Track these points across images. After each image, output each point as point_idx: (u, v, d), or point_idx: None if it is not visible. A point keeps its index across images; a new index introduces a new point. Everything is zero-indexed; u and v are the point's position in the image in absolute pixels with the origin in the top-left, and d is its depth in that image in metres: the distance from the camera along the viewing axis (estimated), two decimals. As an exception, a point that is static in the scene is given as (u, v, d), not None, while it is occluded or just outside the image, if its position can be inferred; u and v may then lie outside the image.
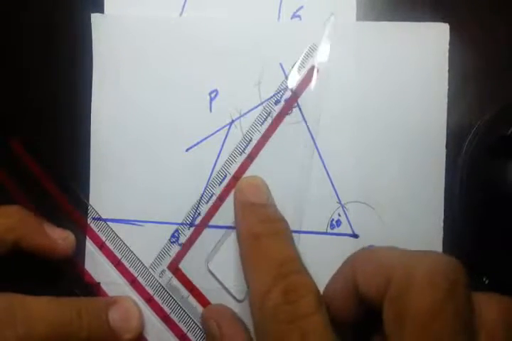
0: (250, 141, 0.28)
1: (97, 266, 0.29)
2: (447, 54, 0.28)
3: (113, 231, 0.29)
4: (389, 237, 0.27)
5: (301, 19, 0.28)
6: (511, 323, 0.19)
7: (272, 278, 0.22)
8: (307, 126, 0.28)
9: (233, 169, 0.28)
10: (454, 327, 0.18)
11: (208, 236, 0.28)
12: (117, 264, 0.29)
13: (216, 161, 0.28)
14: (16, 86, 0.29)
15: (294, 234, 0.25)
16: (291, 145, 0.28)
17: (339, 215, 0.28)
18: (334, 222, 0.28)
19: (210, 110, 0.28)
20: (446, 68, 0.28)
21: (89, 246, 0.29)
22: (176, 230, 0.28)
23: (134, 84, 0.29)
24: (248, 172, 0.28)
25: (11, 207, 0.27)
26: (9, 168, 0.29)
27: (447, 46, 0.28)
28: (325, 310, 0.22)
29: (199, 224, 0.28)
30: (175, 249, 0.28)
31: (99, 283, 0.29)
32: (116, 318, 0.26)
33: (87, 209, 0.29)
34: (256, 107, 0.28)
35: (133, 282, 0.28)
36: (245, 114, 0.28)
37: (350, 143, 0.28)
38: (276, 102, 0.28)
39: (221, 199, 0.28)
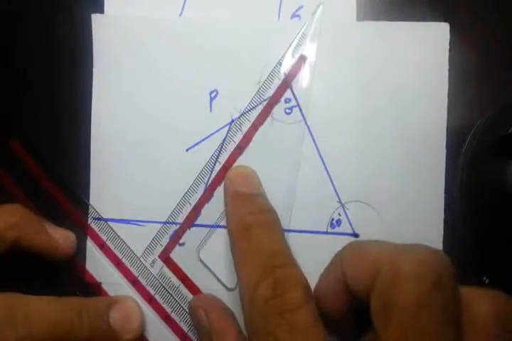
0: (240, 129, 0.28)
1: (97, 265, 0.29)
2: (447, 54, 0.28)
3: (114, 231, 0.29)
4: (389, 237, 0.27)
5: (301, 19, 0.28)
6: (502, 318, 0.19)
7: (260, 271, 0.22)
8: (307, 127, 0.28)
9: (223, 158, 0.28)
10: (440, 320, 0.18)
11: (199, 224, 0.28)
12: (118, 264, 0.29)
13: (216, 162, 0.28)
14: (16, 86, 0.29)
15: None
16: (282, 140, 0.28)
17: (339, 215, 0.28)
18: (334, 222, 0.28)
19: (210, 110, 0.28)
20: (446, 68, 0.28)
21: (90, 246, 0.29)
22: (177, 230, 0.28)
23: (134, 84, 0.29)
24: (238, 163, 0.28)
25: (12, 206, 0.27)
26: (9, 168, 0.29)
27: (447, 46, 0.28)
28: (314, 303, 0.22)
29: (190, 213, 0.28)
30: (166, 238, 0.28)
31: (100, 283, 0.29)
32: (117, 318, 0.26)
33: (87, 209, 0.29)
34: (256, 107, 0.28)
35: (134, 282, 0.28)
36: (245, 113, 0.28)
37: (351, 142, 0.28)
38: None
39: (212, 188, 0.28)
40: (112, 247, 0.29)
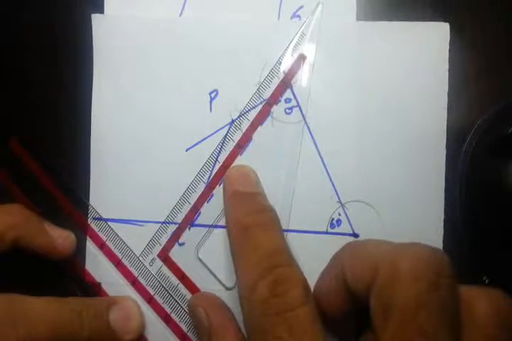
0: (240, 129, 0.28)
1: (97, 266, 0.29)
2: (447, 54, 0.28)
3: (113, 231, 0.29)
4: (389, 237, 0.27)
5: (301, 19, 0.28)
6: (502, 318, 0.19)
7: (259, 271, 0.22)
8: (307, 127, 0.28)
9: (222, 158, 0.28)
10: (439, 319, 0.18)
11: (198, 223, 0.28)
12: (118, 264, 0.29)
13: (216, 161, 0.28)
14: (16, 86, 0.29)
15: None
16: (282, 140, 0.28)
17: (339, 215, 0.28)
18: (334, 222, 0.28)
19: (210, 110, 0.28)
20: (447, 68, 0.28)
21: (90, 246, 0.29)
22: (176, 229, 0.28)
23: (134, 84, 0.29)
24: (237, 162, 0.28)
25: (11, 206, 0.27)
26: (9, 168, 0.29)
27: (447, 46, 0.28)
28: (313, 302, 0.22)
29: (189, 212, 0.28)
30: (165, 237, 0.28)
31: (99, 283, 0.29)
32: (117, 318, 0.26)
33: (87, 209, 0.29)
34: (256, 107, 0.28)
35: (133, 282, 0.28)
36: (245, 113, 0.28)
37: (351, 142, 0.28)
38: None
39: (211, 187, 0.28)
40: (111, 247, 0.29)
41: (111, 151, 0.29)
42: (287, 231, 0.28)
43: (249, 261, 0.23)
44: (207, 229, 0.28)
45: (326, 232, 0.28)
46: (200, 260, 0.28)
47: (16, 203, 0.28)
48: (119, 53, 0.29)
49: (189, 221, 0.28)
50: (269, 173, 0.28)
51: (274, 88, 0.28)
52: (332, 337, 0.25)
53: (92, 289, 0.29)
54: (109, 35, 0.29)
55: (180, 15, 0.29)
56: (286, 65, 0.28)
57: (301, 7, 0.28)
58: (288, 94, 0.28)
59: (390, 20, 0.28)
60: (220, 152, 0.28)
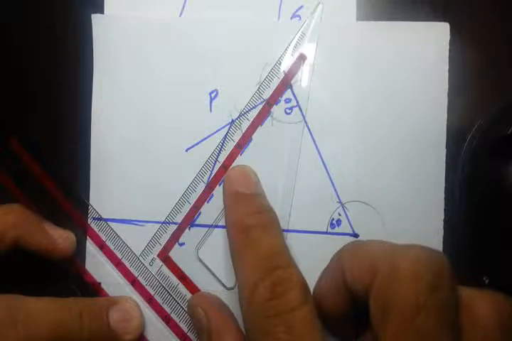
0: (240, 129, 0.28)
1: (97, 266, 0.29)
2: (447, 54, 0.28)
3: (113, 231, 0.29)
4: (389, 237, 0.27)
5: (301, 19, 0.28)
6: (503, 320, 0.19)
7: (258, 272, 0.22)
8: (307, 127, 0.28)
9: (223, 158, 0.28)
10: (438, 321, 0.18)
11: (198, 223, 0.28)
12: (118, 264, 0.29)
13: (216, 161, 0.28)
14: (16, 86, 0.29)
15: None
16: (282, 140, 0.28)
17: (339, 215, 0.28)
18: (334, 222, 0.28)
19: (210, 110, 0.28)
20: (447, 68, 0.28)
21: (90, 246, 0.29)
22: (176, 229, 0.28)
23: (134, 84, 0.29)
24: (237, 162, 0.28)
25: (12, 205, 0.27)
26: (9, 168, 0.29)
27: (447, 46, 0.28)
28: (312, 304, 0.22)
29: (189, 212, 0.28)
30: (165, 237, 0.28)
31: (99, 283, 0.29)
32: (117, 319, 0.26)
33: (87, 209, 0.29)
34: (256, 107, 0.28)
35: (133, 282, 0.28)
36: (245, 113, 0.28)
37: (351, 142, 0.28)
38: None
39: (211, 187, 0.28)
40: (111, 247, 0.29)
41: (111, 151, 0.29)
42: (287, 231, 0.28)
43: (249, 262, 0.23)
44: (207, 229, 0.28)
45: (326, 232, 0.28)
46: (200, 260, 0.28)
47: (15, 203, 0.28)
48: (119, 53, 0.29)
49: (189, 221, 0.28)
50: (269, 173, 0.28)
51: (274, 88, 0.28)
52: (332, 337, 0.25)
53: (92, 289, 0.29)
54: (109, 35, 0.29)
55: (180, 15, 0.29)
56: (286, 65, 0.28)
57: (301, 7, 0.28)
58: (288, 94, 0.28)
59: (390, 20, 0.28)
60: (220, 152, 0.28)
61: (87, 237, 0.29)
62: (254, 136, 0.28)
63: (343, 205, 0.28)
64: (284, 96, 0.28)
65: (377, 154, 0.28)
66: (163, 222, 0.28)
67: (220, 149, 0.28)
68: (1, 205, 0.27)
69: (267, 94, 0.28)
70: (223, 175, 0.28)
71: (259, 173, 0.27)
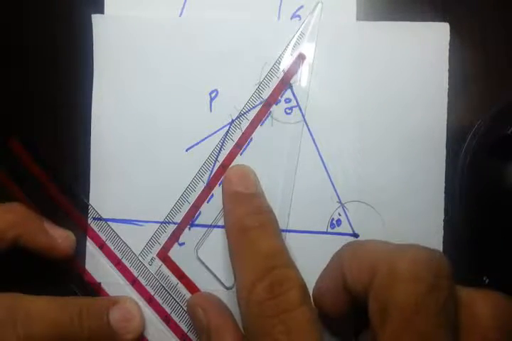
0: (240, 129, 0.28)
1: (97, 266, 0.29)
2: (447, 54, 0.28)
3: (113, 231, 0.29)
4: (389, 237, 0.27)
5: (301, 19, 0.28)
6: (503, 320, 0.19)
7: (257, 272, 0.22)
8: (307, 127, 0.28)
9: (222, 157, 0.28)
10: (436, 321, 0.18)
11: (198, 223, 0.28)
12: (118, 264, 0.29)
13: (216, 161, 0.28)
14: (17, 86, 0.29)
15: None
16: (282, 140, 0.28)
17: (339, 215, 0.28)
18: (334, 222, 0.28)
19: (210, 110, 0.28)
20: (447, 68, 0.28)
21: (90, 246, 0.29)
22: (175, 229, 0.28)
23: (134, 84, 0.29)
24: (236, 162, 0.28)
25: (12, 204, 0.27)
26: (9, 168, 0.29)
27: (447, 46, 0.28)
28: (310, 304, 0.22)
29: (188, 212, 0.28)
30: (164, 237, 0.28)
31: (99, 283, 0.29)
32: (117, 318, 0.26)
33: (87, 209, 0.29)
34: (256, 107, 0.28)
35: (133, 282, 0.28)
36: (245, 113, 0.28)
37: (351, 142, 0.28)
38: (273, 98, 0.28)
39: (211, 187, 0.28)
40: (111, 247, 0.29)
41: (111, 151, 0.29)
42: (287, 231, 0.28)
43: (247, 262, 0.23)
44: (206, 228, 0.28)
45: (326, 232, 0.28)
46: (200, 260, 0.28)
47: (16, 202, 0.28)
48: (119, 53, 0.29)
49: (189, 221, 0.28)
50: (268, 173, 0.28)
51: (273, 88, 0.28)
52: (331, 337, 0.25)
53: (92, 289, 0.29)
54: (109, 35, 0.29)
55: (180, 15, 0.29)
56: (285, 65, 0.28)
57: (301, 7, 0.28)
58: (288, 94, 0.28)
59: (390, 20, 0.28)
60: (219, 152, 0.28)
61: (87, 237, 0.29)
62: (253, 136, 0.28)
63: (343, 205, 0.28)
64: (284, 96, 0.28)
65: (377, 154, 0.28)
66: (163, 222, 0.28)
67: (220, 149, 0.28)
68: (1, 204, 0.27)
69: (266, 93, 0.28)
70: (223, 174, 0.28)
71: (258, 173, 0.27)
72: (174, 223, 0.28)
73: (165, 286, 0.28)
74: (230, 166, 0.28)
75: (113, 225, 0.29)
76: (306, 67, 0.28)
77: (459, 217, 0.27)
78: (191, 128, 0.28)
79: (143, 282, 0.28)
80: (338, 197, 0.28)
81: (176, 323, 0.28)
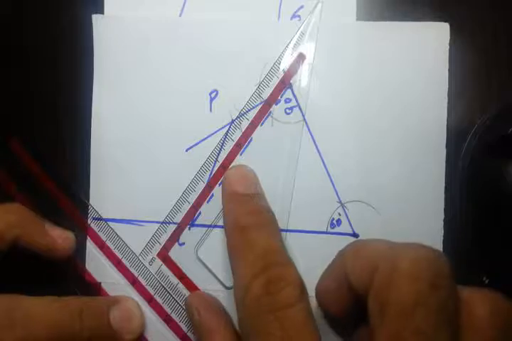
0: (240, 129, 0.28)
1: (97, 266, 0.29)
2: (447, 54, 0.28)
3: (113, 231, 0.29)
4: (389, 237, 0.27)
5: (301, 19, 0.28)
6: (502, 320, 0.19)
7: (254, 270, 0.22)
8: (307, 127, 0.28)
9: (222, 157, 0.28)
10: (435, 319, 0.18)
11: (198, 223, 0.28)
12: (118, 264, 0.29)
13: (216, 161, 0.28)
14: (17, 86, 0.29)
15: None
16: (281, 140, 0.28)
17: (339, 214, 0.28)
18: (334, 222, 0.28)
19: (210, 110, 0.28)
20: (447, 68, 0.28)
21: (90, 246, 0.29)
22: (175, 229, 0.28)
23: (135, 84, 0.29)
24: (236, 162, 0.28)
25: (11, 205, 0.27)
26: (9, 168, 0.29)
27: (447, 46, 0.28)
28: (307, 301, 0.22)
29: (188, 212, 0.28)
30: (164, 237, 0.28)
31: (99, 283, 0.29)
32: (118, 318, 0.26)
33: (87, 209, 0.29)
34: (256, 107, 0.28)
35: (134, 282, 0.28)
36: (245, 113, 0.28)
37: (351, 142, 0.28)
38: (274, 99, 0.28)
39: (211, 187, 0.28)
40: (111, 247, 0.29)
41: (111, 151, 0.29)
42: (287, 231, 0.28)
43: (245, 260, 0.23)
44: (206, 228, 0.28)
45: (326, 232, 0.28)
46: (200, 260, 0.28)
47: (15, 203, 0.28)
48: (120, 53, 0.29)
49: (189, 221, 0.28)
50: (268, 173, 0.28)
51: (273, 88, 0.28)
52: (330, 334, 0.25)
53: (92, 289, 0.29)
54: (110, 35, 0.29)
55: (180, 15, 0.29)
56: (285, 65, 0.28)
57: (301, 7, 0.28)
58: (288, 94, 0.28)
59: (390, 20, 0.28)
60: (219, 152, 0.28)
61: (88, 237, 0.29)
62: (253, 136, 0.28)
63: (343, 205, 0.28)
64: (284, 96, 0.28)
65: (377, 154, 0.28)
66: (163, 222, 0.28)
67: (220, 149, 0.28)
68: (1, 204, 0.27)
69: (266, 93, 0.28)
70: (223, 174, 0.28)
71: (258, 173, 0.27)
72: (174, 223, 0.28)
73: (165, 286, 0.28)
74: (230, 166, 0.28)
75: (113, 225, 0.29)
76: (306, 67, 0.28)
77: (459, 217, 0.27)
78: (191, 128, 0.28)
79: (143, 282, 0.28)
80: (338, 197, 0.28)
81: (177, 323, 0.28)
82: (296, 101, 0.28)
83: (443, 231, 0.27)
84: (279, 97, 0.28)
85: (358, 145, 0.28)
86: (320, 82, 0.28)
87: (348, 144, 0.28)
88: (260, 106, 0.28)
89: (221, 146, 0.28)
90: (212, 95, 0.28)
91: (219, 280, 0.28)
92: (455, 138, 0.28)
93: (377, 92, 0.28)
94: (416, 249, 0.20)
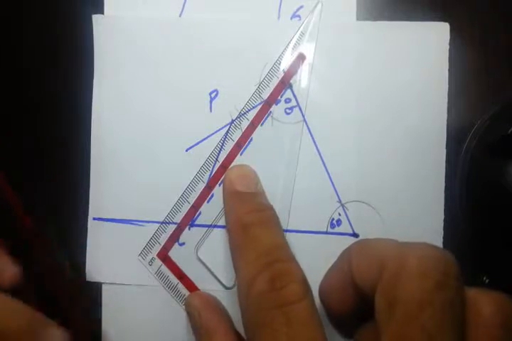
0: (240, 129, 0.28)
1: (97, 266, 0.29)
2: (447, 54, 0.28)
3: (114, 230, 0.29)
4: (389, 237, 0.27)
5: (301, 19, 0.28)
6: (507, 319, 0.19)
7: (258, 266, 0.22)
8: (307, 127, 0.28)
9: (222, 157, 0.28)
10: (442, 318, 0.18)
11: (197, 223, 0.28)
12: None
13: (216, 161, 0.28)
14: (16, 86, 0.29)
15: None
16: (282, 140, 0.28)
17: (339, 215, 0.28)
18: (334, 222, 0.28)
19: (210, 110, 0.28)
20: (447, 68, 0.28)
21: (90, 246, 0.29)
22: (175, 229, 0.28)
23: (135, 84, 0.29)
24: (237, 162, 0.28)
25: None
26: (9, 169, 0.29)
27: (447, 46, 0.28)
28: (311, 298, 0.22)
29: (188, 212, 0.28)
30: (164, 237, 0.28)
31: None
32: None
33: (87, 209, 0.29)
34: (256, 107, 0.28)
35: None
36: (245, 113, 0.28)
37: (351, 142, 0.28)
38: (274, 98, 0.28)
39: (211, 187, 0.28)
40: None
41: (111, 151, 0.29)
42: (287, 231, 0.28)
43: (248, 257, 0.23)
44: (206, 228, 0.28)
45: (326, 232, 0.28)
46: (200, 260, 0.28)
47: None
48: (120, 53, 0.29)
49: (188, 221, 0.28)
50: (268, 173, 0.28)
51: (273, 88, 0.28)
52: (332, 333, 0.25)
53: (92, 289, 0.29)
54: (110, 35, 0.29)
55: (180, 15, 0.29)
56: (285, 65, 0.28)
57: (301, 7, 0.28)
58: (288, 94, 0.28)
59: (390, 20, 0.28)
60: (219, 152, 0.28)
61: (87, 237, 0.29)
62: (253, 136, 0.28)
63: (343, 205, 0.28)
64: (284, 96, 0.28)
65: (377, 154, 0.28)
66: (163, 222, 0.28)
67: (220, 149, 0.28)
68: None
69: (266, 93, 0.28)
70: (223, 174, 0.28)
71: (258, 173, 0.27)
72: (174, 223, 0.28)
73: (165, 286, 0.28)
74: (231, 166, 0.28)
75: (113, 225, 0.29)
76: (306, 67, 0.28)
77: (459, 217, 0.27)
78: (191, 128, 0.28)
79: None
80: (338, 196, 0.28)
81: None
82: (296, 101, 0.28)
83: (443, 231, 0.27)
84: (279, 97, 0.28)
85: (358, 145, 0.28)
86: (320, 82, 0.28)
87: (348, 144, 0.28)
88: (260, 106, 0.28)
89: (221, 146, 0.28)
90: (213, 95, 0.28)
91: (219, 281, 0.28)
92: (455, 138, 0.28)
93: (377, 92, 0.28)
94: (423, 247, 0.20)
